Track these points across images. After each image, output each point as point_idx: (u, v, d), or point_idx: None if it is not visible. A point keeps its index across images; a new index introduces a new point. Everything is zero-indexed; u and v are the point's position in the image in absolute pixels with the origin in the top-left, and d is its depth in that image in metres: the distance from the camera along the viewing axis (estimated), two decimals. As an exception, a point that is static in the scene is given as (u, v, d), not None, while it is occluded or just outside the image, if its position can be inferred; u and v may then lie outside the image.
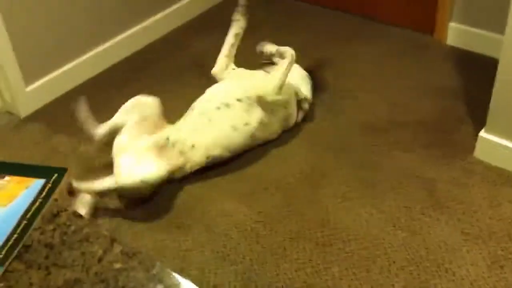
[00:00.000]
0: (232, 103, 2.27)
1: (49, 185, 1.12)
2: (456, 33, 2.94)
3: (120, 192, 2.14)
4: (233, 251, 1.98)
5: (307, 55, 2.89)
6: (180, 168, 2.19)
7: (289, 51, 2.35)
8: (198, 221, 2.11)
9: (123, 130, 2.19)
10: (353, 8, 3.24)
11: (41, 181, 1.12)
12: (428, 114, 2.53)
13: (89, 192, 2.09)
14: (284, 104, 2.38)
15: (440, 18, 2.96)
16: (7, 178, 1.10)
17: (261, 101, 2.30)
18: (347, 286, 1.84)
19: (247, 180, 2.27)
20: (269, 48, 2.47)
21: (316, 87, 2.70)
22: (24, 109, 2.64)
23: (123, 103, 2.35)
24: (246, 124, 2.28)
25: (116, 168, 2.10)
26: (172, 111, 2.35)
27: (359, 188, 2.19)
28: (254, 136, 2.31)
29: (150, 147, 2.12)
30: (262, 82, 2.34)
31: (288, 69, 2.32)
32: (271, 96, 2.30)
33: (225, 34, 3.09)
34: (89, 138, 2.27)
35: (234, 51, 2.52)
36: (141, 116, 2.22)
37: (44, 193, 1.10)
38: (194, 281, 1.82)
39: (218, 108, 2.27)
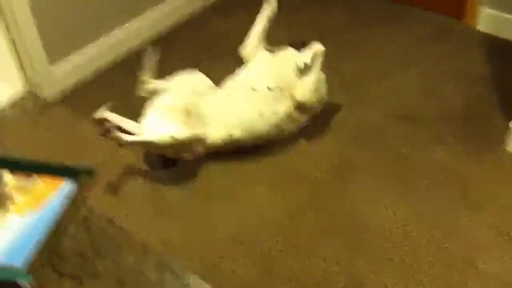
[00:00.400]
0: (262, 90, 2.25)
1: (78, 186, 1.10)
2: (487, 19, 2.86)
3: (143, 146, 2.19)
4: (257, 241, 1.96)
5: (327, 36, 2.83)
6: (201, 139, 2.17)
7: (319, 49, 2.31)
8: (224, 209, 2.10)
9: (165, 92, 2.24)
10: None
11: (70, 182, 1.10)
12: (459, 103, 2.46)
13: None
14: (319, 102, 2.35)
15: (471, 2, 2.87)
16: (35, 177, 1.08)
17: (300, 105, 2.28)
18: (374, 283, 1.82)
19: (275, 170, 2.24)
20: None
21: (340, 73, 2.65)
22: (49, 90, 2.62)
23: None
24: (274, 113, 2.25)
25: (143, 121, 2.15)
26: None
27: (389, 182, 2.15)
28: (279, 127, 2.27)
29: (179, 109, 2.15)
30: (299, 84, 2.29)
31: (320, 67, 2.31)
32: (310, 100, 2.28)
33: (247, 14, 3.05)
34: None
35: (265, 34, 2.45)
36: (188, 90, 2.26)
37: (73, 196, 1.08)
38: (213, 269, 1.84)
39: (247, 92, 2.25)
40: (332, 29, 2.93)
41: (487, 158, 2.21)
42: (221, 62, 2.74)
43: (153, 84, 2.29)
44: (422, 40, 2.84)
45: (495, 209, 2.02)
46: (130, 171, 2.25)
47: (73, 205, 1.05)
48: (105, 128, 2.11)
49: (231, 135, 2.21)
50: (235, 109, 2.23)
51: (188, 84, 2.31)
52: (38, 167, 1.12)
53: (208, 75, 2.41)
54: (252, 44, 2.42)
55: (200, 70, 2.46)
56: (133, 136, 2.11)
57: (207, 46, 2.90)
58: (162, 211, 2.10)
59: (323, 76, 2.38)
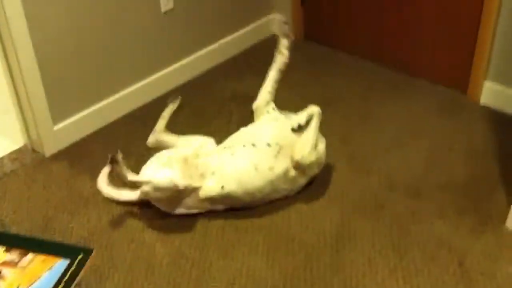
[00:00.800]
0: (261, 146, 2.26)
1: (73, 267, 1.07)
2: (490, 93, 2.88)
3: (142, 192, 2.22)
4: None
5: (337, 106, 2.86)
6: (197, 191, 2.19)
7: (316, 111, 2.33)
8: (216, 268, 2.05)
9: (171, 149, 2.34)
10: (388, 61, 3.20)
11: (66, 262, 1.07)
12: (461, 177, 2.45)
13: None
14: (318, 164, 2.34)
15: (475, 76, 2.90)
16: (30, 255, 1.05)
17: (298, 166, 2.27)
18: None
19: (270, 233, 2.20)
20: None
21: (348, 144, 2.65)
22: (50, 148, 2.62)
23: (147, 147, 2.41)
24: (270, 169, 2.24)
25: (144, 167, 2.25)
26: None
27: (387, 254, 2.11)
28: (275, 184, 2.26)
29: (179, 159, 2.21)
30: (297, 144, 2.29)
31: (317, 127, 2.32)
32: (307, 160, 2.27)
33: (255, 79, 3.08)
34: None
35: (276, 87, 2.47)
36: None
37: (67, 276, 1.05)
38: None
39: (244, 145, 2.27)
40: (342, 99, 2.96)
41: (487, 235, 2.17)
42: (228, 124, 2.76)
43: (165, 136, 2.39)
44: (427, 113, 2.86)
45: (492, 287, 1.96)
46: (125, 233, 2.22)
47: (66, 284, 1.02)
48: (114, 167, 2.18)
49: (224, 187, 2.20)
50: (231, 163, 2.23)
51: (195, 142, 2.36)
52: (34, 244, 1.10)
53: (215, 136, 2.42)
54: (263, 99, 2.43)
55: (207, 132, 2.47)
56: (135, 175, 2.21)
57: (215, 108, 2.92)
58: (153, 270, 2.05)
59: (323, 139, 2.38)
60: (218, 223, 2.25)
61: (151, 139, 2.42)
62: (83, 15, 2.56)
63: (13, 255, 1.01)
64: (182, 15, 3.00)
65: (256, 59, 3.34)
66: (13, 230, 2.23)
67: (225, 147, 2.31)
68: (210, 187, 2.20)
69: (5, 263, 0.98)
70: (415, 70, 3.11)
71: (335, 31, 3.37)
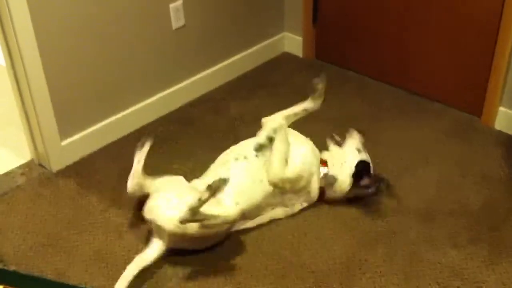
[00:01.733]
0: (251, 157, 2.28)
1: None
2: (505, 118, 2.83)
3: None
4: None
5: (348, 127, 2.82)
6: (215, 218, 2.03)
7: (276, 125, 2.35)
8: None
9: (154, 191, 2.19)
10: (400, 82, 3.16)
11: None
12: (475, 204, 2.40)
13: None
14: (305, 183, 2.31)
15: (490, 101, 2.86)
16: None
17: (274, 185, 2.26)
18: None
19: (279, 259, 2.16)
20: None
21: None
22: (57, 164, 2.59)
23: (157, 163, 2.37)
24: (261, 181, 2.24)
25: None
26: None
27: (399, 284, 2.05)
28: (268, 200, 2.24)
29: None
30: (266, 164, 2.29)
31: (282, 142, 2.31)
32: (278, 177, 2.24)
33: (265, 98, 3.06)
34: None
35: (292, 119, 2.45)
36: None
37: None
38: None
39: (236, 159, 2.27)
40: (352, 120, 2.91)
41: (502, 266, 2.11)
42: (236, 143, 2.71)
43: (144, 180, 2.22)
44: (441, 136, 2.81)
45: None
46: (132, 252, 2.18)
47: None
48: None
49: (239, 205, 2.15)
50: (233, 180, 2.20)
51: (176, 183, 2.25)
52: (34, 283, 1.06)
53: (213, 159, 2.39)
54: (274, 117, 2.42)
55: (215, 149, 2.44)
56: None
57: (224, 126, 2.88)
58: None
59: (301, 149, 2.34)
60: (225, 249, 2.21)
61: (132, 186, 2.22)
62: (92, 32, 2.54)
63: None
64: (193, 32, 2.98)
65: (266, 78, 3.31)
66: (18, 246, 2.20)
67: (219, 164, 2.30)
68: (232, 208, 2.12)
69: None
70: (428, 92, 3.08)
71: (346, 51, 3.34)
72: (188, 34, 2.96)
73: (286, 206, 2.33)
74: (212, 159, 2.42)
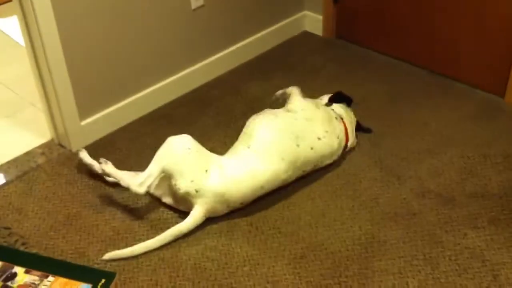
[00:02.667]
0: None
1: None
2: (530, 99, 2.78)
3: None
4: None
5: (368, 107, 2.79)
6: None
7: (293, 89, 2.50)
8: (241, 280, 2.00)
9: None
10: (423, 62, 3.11)
11: (88, 287, 1.02)
12: (496, 186, 2.36)
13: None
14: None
15: (513, 81, 2.80)
16: (51, 278, 1.01)
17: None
18: None
19: (297, 240, 2.15)
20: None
21: (379, 148, 2.58)
22: (76, 143, 2.60)
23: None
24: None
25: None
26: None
27: (418, 264, 2.04)
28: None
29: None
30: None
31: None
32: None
33: (284, 77, 3.04)
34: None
35: None
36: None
37: None
38: None
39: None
40: (373, 100, 2.88)
41: (524, 248, 2.09)
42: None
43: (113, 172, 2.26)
44: (465, 118, 2.76)
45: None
46: (150, 233, 2.19)
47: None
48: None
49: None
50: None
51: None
52: (55, 266, 1.06)
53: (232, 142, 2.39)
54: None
55: (234, 129, 2.43)
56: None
57: (243, 106, 2.87)
58: (177, 272, 2.02)
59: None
60: (244, 228, 2.21)
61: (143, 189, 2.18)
62: (111, 12, 2.53)
63: (33, 277, 0.97)
64: (212, 12, 2.95)
65: (285, 57, 3.28)
66: (39, 226, 2.22)
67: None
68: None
69: (25, 285, 0.95)
70: (452, 72, 3.02)
71: (367, 30, 3.29)
72: (207, 14, 2.93)
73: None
74: (231, 139, 2.42)
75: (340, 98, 2.60)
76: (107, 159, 2.48)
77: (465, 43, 2.91)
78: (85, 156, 2.41)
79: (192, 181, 2.13)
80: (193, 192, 2.13)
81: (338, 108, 2.54)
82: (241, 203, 2.22)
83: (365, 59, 3.24)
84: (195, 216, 2.14)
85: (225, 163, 2.21)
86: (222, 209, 2.19)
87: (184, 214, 2.20)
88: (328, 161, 2.42)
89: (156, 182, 2.16)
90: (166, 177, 2.18)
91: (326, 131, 2.36)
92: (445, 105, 2.86)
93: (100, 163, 2.28)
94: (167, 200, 2.26)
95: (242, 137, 2.33)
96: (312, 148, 2.31)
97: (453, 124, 2.73)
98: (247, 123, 2.37)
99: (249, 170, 2.19)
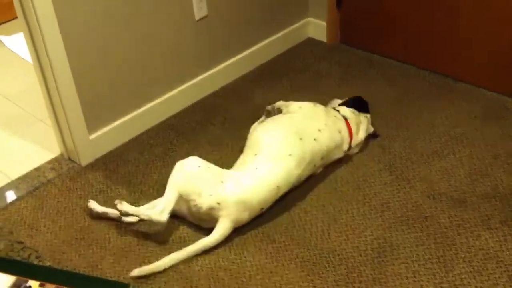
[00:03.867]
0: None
1: None
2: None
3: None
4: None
5: (375, 112, 2.79)
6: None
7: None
8: (256, 285, 2.00)
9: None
10: (428, 64, 3.11)
11: None
12: (508, 186, 2.35)
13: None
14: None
15: (520, 80, 2.80)
16: None
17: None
18: None
19: (309, 246, 2.15)
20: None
21: (388, 151, 2.58)
22: (86, 157, 2.61)
23: (183, 155, 2.34)
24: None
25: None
26: (228, 167, 2.30)
27: (432, 267, 2.03)
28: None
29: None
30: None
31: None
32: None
33: (288, 85, 3.04)
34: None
35: None
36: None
37: None
38: None
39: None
40: (379, 104, 2.88)
41: (538, 248, 2.08)
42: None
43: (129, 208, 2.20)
44: (472, 118, 2.76)
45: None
46: (162, 244, 2.19)
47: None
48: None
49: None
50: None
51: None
52: (69, 278, 1.07)
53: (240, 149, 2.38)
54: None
55: (240, 137, 2.43)
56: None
57: (248, 114, 2.87)
58: (191, 282, 2.02)
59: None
60: (255, 236, 2.21)
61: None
62: (116, 26, 2.54)
63: (46, 290, 0.99)
64: (216, 22, 2.96)
65: (290, 64, 3.29)
66: (51, 241, 2.23)
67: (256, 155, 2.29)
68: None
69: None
70: (457, 73, 3.02)
71: (371, 35, 3.30)
72: (211, 24, 2.94)
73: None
74: (239, 147, 2.42)
75: (356, 102, 2.63)
76: (117, 171, 2.49)
77: (471, 43, 2.91)
78: (96, 206, 2.34)
79: (210, 195, 2.13)
80: (216, 205, 2.13)
81: (344, 109, 2.55)
82: (261, 209, 2.22)
83: (370, 63, 3.25)
84: (223, 228, 2.14)
85: (237, 174, 2.21)
86: (244, 218, 2.19)
87: (192, 225, 2.21)
88: (336, 155, 2.45)
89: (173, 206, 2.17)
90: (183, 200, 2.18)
91: (326, 124, 2.40)
92: (452, 106, 2.85)
93: (115, 204, 2.19)
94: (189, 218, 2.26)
95: (246, 149, 2.36)
96: (315, 139, 2.34)
97: (461, 125, 2.72)
98: (248, 135, 2.41)
99: (262, 174, 2.20)
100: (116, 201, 2.18)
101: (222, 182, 2.16)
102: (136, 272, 2.04)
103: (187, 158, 2.25)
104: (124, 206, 2.17)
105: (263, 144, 2.29)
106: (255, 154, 2.27)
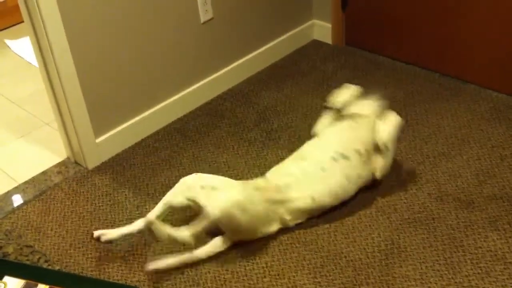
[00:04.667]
0: (350, 155, 2.26)
1: None
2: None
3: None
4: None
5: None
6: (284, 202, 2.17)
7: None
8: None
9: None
10: (435, 65, 3.10)
11: None
12: (515, 187, 2.35)
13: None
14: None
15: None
16: None
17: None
18: None
19: (316, 249, 2.14)
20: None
21: (399, 154, 2.57)
22: (92, 161, 2.62)
23: (189, 158, 2.32)
24: (359, 175, 2.28)
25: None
26: (234, 171, 2.29)
27: (440, 269, 2.02)
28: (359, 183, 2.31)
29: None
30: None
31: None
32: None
33: (295, 86, 3.04)
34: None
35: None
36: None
37: None
38: None
39: (334, 158, 2.24)
40: (389, 105, 2.85)
41: (547, 249, 2.07)
42: (269, 133, 2.71)
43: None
44: (479, 119, 2.75)
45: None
46: (169, 246, 2.19)
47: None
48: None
49: (315, 199, 2.20)
50: (323, 176, 2.22)
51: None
52: (79, 282, 1.07)
53: (255, 145, 2.37)
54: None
55: (247, 140, 2.42)
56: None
57: (255, 116, 2.88)
58: (198, 285, 2.02)
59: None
60: (262, 239, 2.20)
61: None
62: (121, 28, 2.55)
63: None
64: (221, 24, 2.97)
65: (296, 66, 3.29)
66: (59, 244, 2.23)
67: (312, 163, 2.25)
68: (302, 199, 2.19)
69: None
70: (464, 74, 3.01)
71: (377, 36, 3.29)
72: (216, 27, 2.95)
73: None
74: (246, 151, 2.41)
75: None
76: (123, 174, 2.50)
77: (477, 44, 2.90)
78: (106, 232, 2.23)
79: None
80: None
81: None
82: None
83: (375, 65, 3.24)
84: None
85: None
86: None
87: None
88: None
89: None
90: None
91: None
92: (459, 107, 2.84)
93: (148, 268, 2.09)
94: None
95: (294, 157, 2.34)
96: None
97: (468, 126, 2.71)
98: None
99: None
100: (148, 265, 2.09)
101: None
102: (152, 265, 2.06)
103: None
104: (158, 263, 2.09)
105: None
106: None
